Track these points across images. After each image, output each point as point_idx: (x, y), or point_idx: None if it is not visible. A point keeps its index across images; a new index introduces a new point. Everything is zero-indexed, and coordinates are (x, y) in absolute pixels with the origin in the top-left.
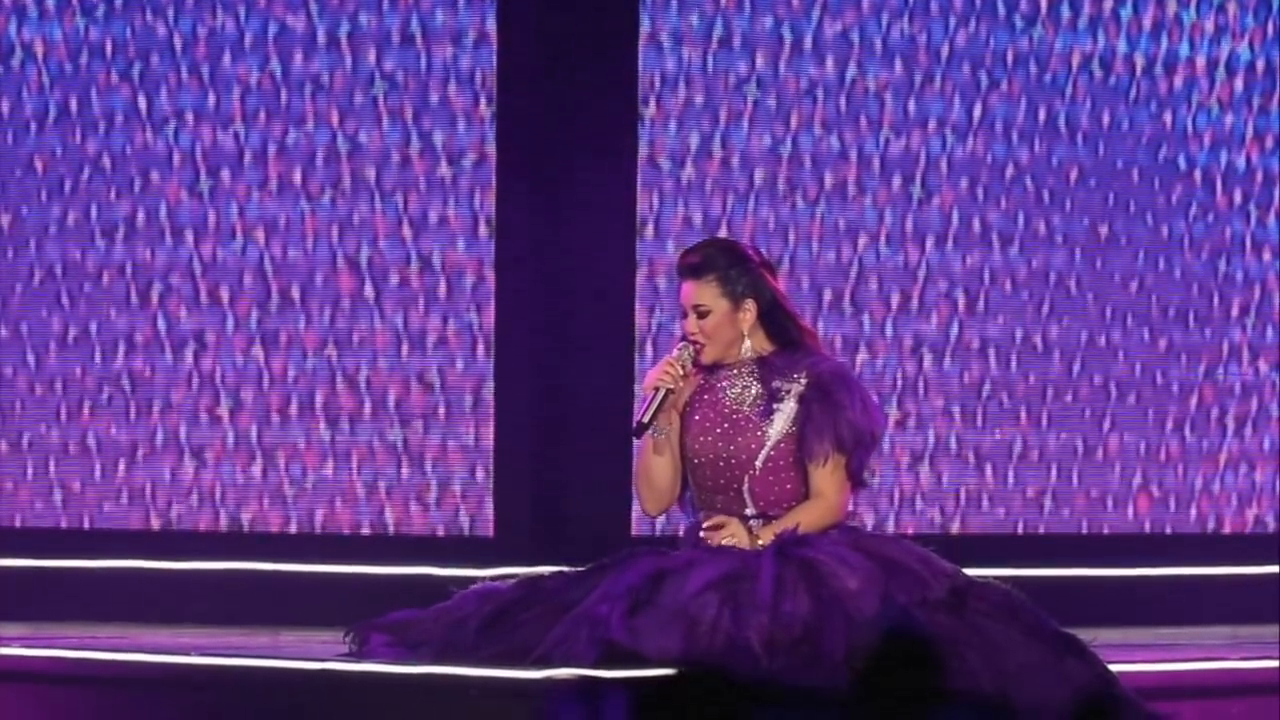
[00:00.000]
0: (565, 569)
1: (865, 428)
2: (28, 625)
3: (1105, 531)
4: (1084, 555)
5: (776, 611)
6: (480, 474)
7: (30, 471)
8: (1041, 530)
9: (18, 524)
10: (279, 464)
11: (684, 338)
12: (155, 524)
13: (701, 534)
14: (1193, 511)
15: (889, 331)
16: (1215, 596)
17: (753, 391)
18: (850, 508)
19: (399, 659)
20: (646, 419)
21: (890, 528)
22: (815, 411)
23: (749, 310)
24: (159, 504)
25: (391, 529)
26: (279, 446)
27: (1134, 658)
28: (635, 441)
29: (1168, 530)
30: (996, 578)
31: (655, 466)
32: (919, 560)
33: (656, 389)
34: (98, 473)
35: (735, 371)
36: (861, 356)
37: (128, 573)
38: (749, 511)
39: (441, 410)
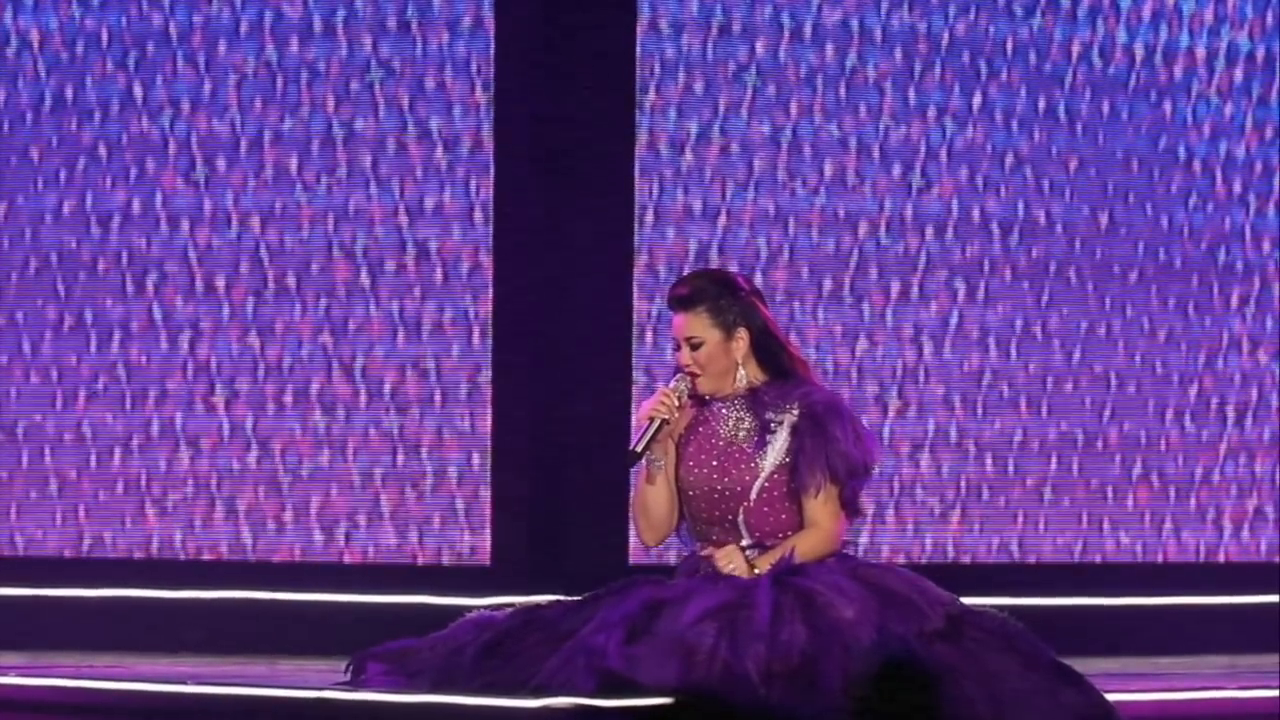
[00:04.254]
0: (563, 598)
1: (858, 458)
2: (25, 654)
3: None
4: (1081, 584)
5: (774, 640)
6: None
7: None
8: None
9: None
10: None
11: (679, 369)
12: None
13: (703, 555)
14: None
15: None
16: (1214, 626)
17: (746, 423)
18: (846, 536)
19: (396, 688)
20: (640, 448)
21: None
22: (807, 442)
23: (742, 339)
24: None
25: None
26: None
27: (1131, 687)
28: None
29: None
30: (993, 606)
31: (650, 497)
32: (916, 590)
33: (651, 419)
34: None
35: (728, 403)
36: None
37: (124, 601)
38: (745, 542)
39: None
